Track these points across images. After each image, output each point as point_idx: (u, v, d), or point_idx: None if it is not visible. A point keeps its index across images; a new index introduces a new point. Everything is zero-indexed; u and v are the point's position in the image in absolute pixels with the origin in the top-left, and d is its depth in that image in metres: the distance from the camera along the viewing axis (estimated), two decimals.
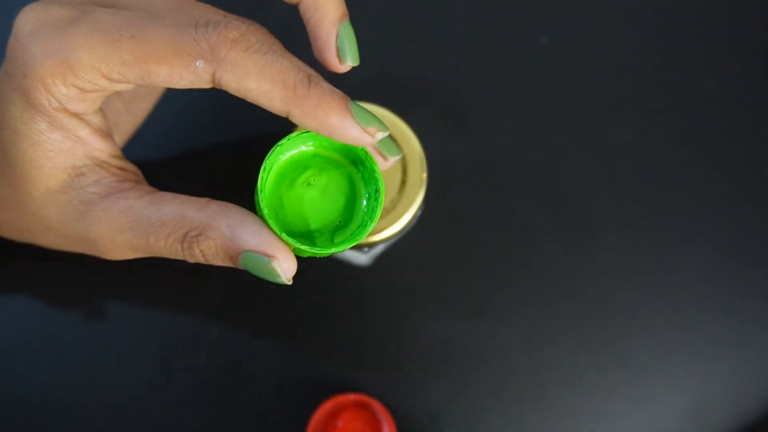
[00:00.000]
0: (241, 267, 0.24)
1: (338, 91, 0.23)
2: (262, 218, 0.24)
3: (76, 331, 0.36)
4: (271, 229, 0.23)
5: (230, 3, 0.40)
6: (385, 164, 0.25)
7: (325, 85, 0.23)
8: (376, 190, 0.25)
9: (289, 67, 0.22)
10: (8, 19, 0.40)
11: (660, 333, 0.37)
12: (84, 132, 0.24)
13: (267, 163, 0.24)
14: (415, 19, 0.41)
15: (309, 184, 0.25)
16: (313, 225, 0.25)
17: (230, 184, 0.38)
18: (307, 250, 0.24)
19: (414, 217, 0.32)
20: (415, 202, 0.31)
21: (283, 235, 0.23)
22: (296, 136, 0.25)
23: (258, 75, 0.22)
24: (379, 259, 0.37)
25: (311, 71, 0.24)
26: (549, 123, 0.39)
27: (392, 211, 0.31)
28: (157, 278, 0.36)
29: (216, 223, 0.23)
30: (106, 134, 0.25)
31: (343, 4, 0.25)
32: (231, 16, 0.24)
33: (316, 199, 0.25)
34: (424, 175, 0.32)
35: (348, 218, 0.26)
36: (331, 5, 0.24)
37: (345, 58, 0.25)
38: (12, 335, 0.36)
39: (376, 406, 0.34)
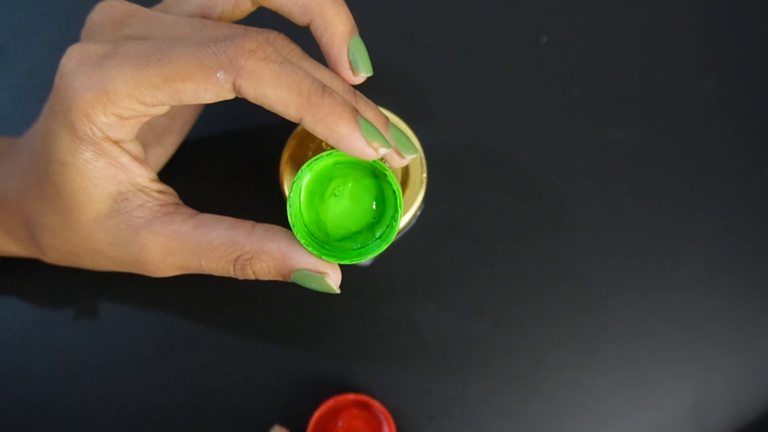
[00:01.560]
0: (291, 281, 0.26)
1: (349, 103, 0.24)
2: None
3: (76, 331, 0.36)
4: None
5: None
6: (400, 161, 0.26)
7: (338, 96, 0.24)
8: (393, 192, 0.26)
9: (304, 76, 0.24)
10: (10, 19, 0.40)
11: (660, 333, 0.37)
12: (125, 159, 0.26)
13: (292, 198, 0.26)
14: (416, 20, 0.41)
15: (336, 195, 0.27)
16: (353, 227, 0.27)
17: (239, 177, 0.38)
18: (350, 262, 0.26)
19: (414, 216, 0.32)
20: (415, 202, 0.31)
21: (325, 257, 0.26)
22: (307, 166, 0.26)
23: (274, 83, 0.23)
24: (379, 259, 0.37)
25: (330, 78, 0.25)
26: (549, 123, 0.39)
27: None
28: (157, 278, 0.36)
29: (267, 247, 0.26)
30: (143, 161, 0.27)
31: (351, 20, 0.26)
32: (251, 28, 0.25)
33: (348, 204, 0.27)
34: (424, 175, 0.32)
35: (381, 212, 0.27)
36: (340, 22, 0.26)
37: (358, 70, 0.26)
38: (12, 335, 0.36)
39: (376, 406, 0.34)
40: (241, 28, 0.25)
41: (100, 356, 0.36)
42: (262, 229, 0.26)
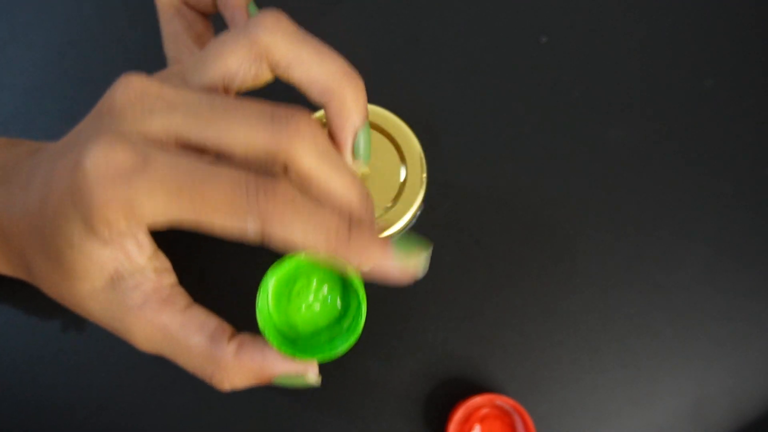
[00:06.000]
0: (273, 383, 0.27)
1: (375, 235, 0.24)
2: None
3: (76, 330, 0.36)
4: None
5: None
6: (395, 272, 0.26)
7: (365, 230, 0.24)
8: (358, 301, 0.27)
9: (330, 218, 0.24)
10: (10, 19, 0.40)
11: (660, 333, 0.37)
12: (129, 243, 0.27)
13: (260, 303, 0.27)
14: (416, 20, 0.41)
15: (301, 295, 0.28)
16: (321, 323, 0.28)
17: None
18: (323, 359, 0.27)
19: (414, 216, 0.32)
20: (415, 202, 0.31)
21: (298, 356, 0.27)
22: (271, 270, 0.27)
23: (302, 231, 0.23)
24: None
25: (351, 181, 0.25)
26: (549, 123, 0.39)
27: (392, 211, 0.31)
28: None
29: (243, 363, 0.27)
30: (145, 235, 0.28)
31: (366, 107, 0.26)
32: (283, 124, 0.24)
33: (314, 302, 0.28)
34: (424, 175, 0.32)
35: (346, 306, 0.28)
36: (356, 111, 0.26)
37: (358, 158, 0.27)
38: (12, 335, 0.36)
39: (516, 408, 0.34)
40: (266, 114, 0.24)
41: (100, 356, 0.36)
42: (235, 345, 0.27)
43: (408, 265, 0.24)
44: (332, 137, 0.26)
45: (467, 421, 0.34)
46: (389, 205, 0.31)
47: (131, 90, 0.26)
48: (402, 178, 0.32)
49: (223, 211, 0.23)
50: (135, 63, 0.40)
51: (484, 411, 0.35)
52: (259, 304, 0.27)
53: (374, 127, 0.33)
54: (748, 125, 0.40)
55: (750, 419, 0.36)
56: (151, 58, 0.40)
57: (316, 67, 0.25)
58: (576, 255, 0.38)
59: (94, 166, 0.24)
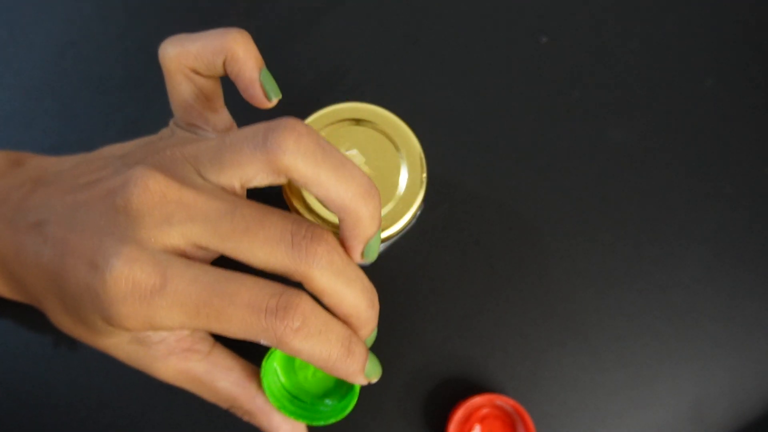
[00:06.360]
0: None
1: (364, 352, 0.27)
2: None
3: None
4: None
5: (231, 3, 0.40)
6: (363, 381, 0.29)
7: (357, 349, 0.27)
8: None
9: (333, 345, 0.26)
10: (10, 19, 0.40)
11: (660, 333, 0.37)
12: None
13: (265, 376, 0.30)
14: (416, 20, 0.41)
15: (302, 366, 0.31)
16: (330, 383, 0.31)
17: None
18: (336, 420, 0.30)
19: (414, 216, 0.32)
20: (415, 202, 0.31)
21: (313, 422, 0.30)
22: (269, 356, 0.30)
23: (308, 355, 0.26)
24: (379, 259, 0.37)
25: (365, 311, 0.27)
26: (549, 123, 0.39)
27: (392, 211, 0.31)
28: None
29: (264, 417, 0.31)
30: None
31: (380, 220, 0.27)
32: (302, 250, 0.25)
33: (315, 371, 0.32)
34: (424, 175, 0.32)
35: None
36: (370, 228, 0.27)
37: (366, 259, 0.28)
38: (12, 335, 0.36)
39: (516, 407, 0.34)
40: (284, 241, 0.26)
41: (100, 356, 0.36)
42: (262, 400, 0.30)
43: (369, 377, 0.28)
44: (343, 241, 0.27)
45: (467, 421, 0.34)
46: (389, 205, 0.31)
47: (149, 194, 0.26)
48: (402, 178, 0.32)
49: (238, 329, 0.25)
50: (135, 63, 0.40)
51: (484, 411, 0.35)
52: (270, 389, 0.29)
53: (374, 127, 0.33)
54: (748, 125, 0.40)
55: (750, 419, 0.36)
56: (151, 59, 0.40)
57: (333, 188, 0.26)
58: (576, 255, 0.38)
59: (115, 282, 0.25)
